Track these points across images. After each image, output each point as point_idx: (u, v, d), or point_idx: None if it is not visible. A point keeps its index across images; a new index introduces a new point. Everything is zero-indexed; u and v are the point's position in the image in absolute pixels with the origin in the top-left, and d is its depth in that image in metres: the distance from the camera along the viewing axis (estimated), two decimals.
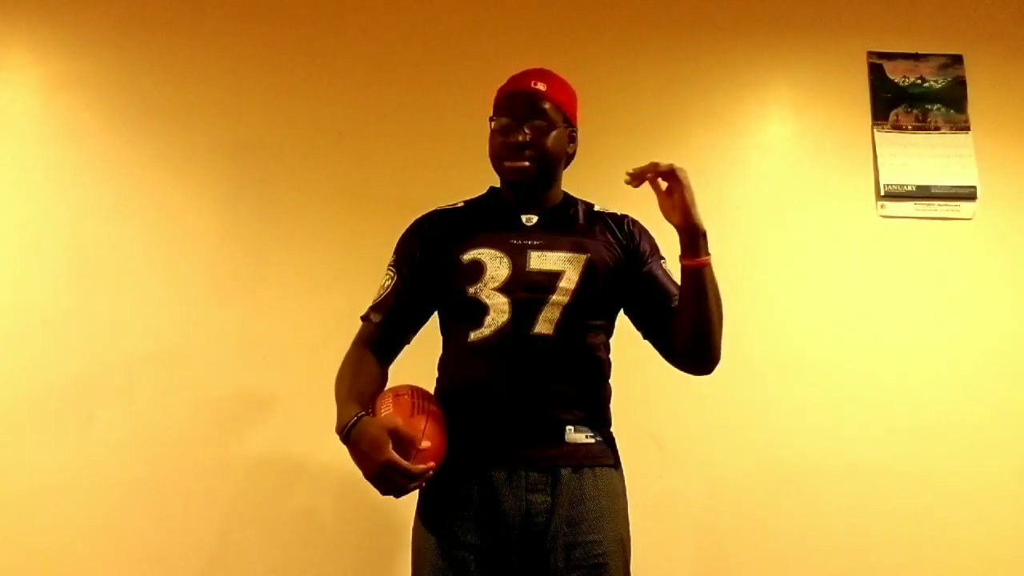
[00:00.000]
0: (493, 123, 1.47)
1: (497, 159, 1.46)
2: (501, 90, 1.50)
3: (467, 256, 1.41)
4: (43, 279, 2.08)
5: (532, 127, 1.43)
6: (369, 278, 1.52)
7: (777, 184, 2.29)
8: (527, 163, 1.43)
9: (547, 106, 1.45)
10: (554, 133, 1.45)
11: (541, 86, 1.46)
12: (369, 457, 1.24)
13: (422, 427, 1.27)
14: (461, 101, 2.14)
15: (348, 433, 1.28)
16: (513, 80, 1.49)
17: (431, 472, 1.26)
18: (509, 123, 1.44)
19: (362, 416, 1.29)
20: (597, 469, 1.37)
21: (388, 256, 1.51)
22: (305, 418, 1.97)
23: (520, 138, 1.43)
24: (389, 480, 1.24)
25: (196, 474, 2.02)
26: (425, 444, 1.24)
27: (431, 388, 1.43)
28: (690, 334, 1.38)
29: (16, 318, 2.06)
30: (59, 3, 2.23)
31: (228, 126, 2.19)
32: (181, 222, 2.15)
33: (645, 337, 1.51)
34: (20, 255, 2.09)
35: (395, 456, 1.23)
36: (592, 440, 1.38)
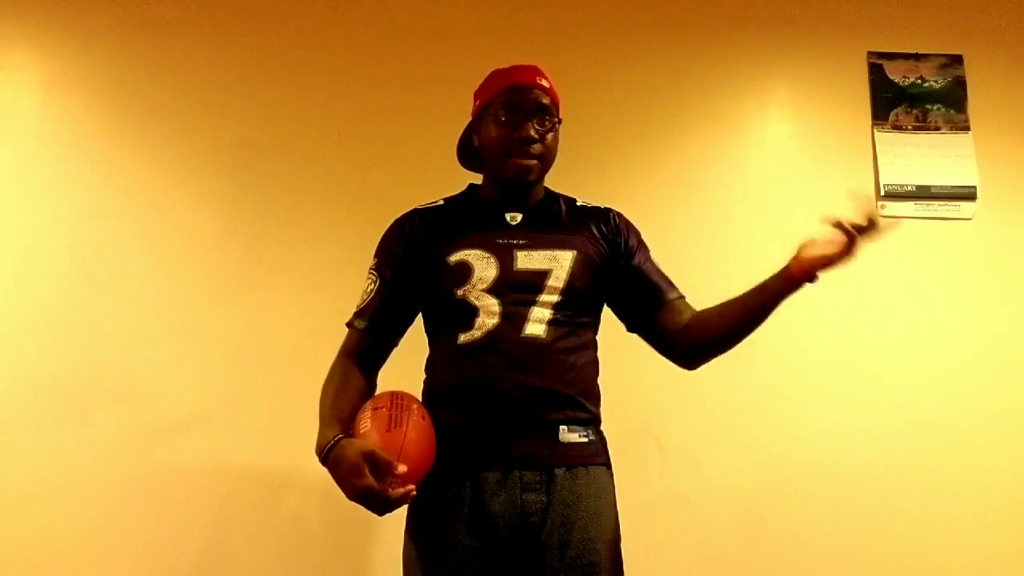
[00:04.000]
0: (497, 117, 1.42)
1: (504, 155, 1.42)
2: (499, 82, 1.46)
3: (453, 258, 1.39)
4: (43, 279, 2.08)
5: (541, 124, 1.42)
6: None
7: (777, 184, 2.29)
8: (535, 161, 1.42)
9: (549, 103, 1.44)
10: (556, 131, 1.45)
11: (545, 83, 1.45)
12: (348, 483, 1.22)
13: (400, 441, 1.23)
14: (461, 101, 2.13)
15: (326, 456, 1.26)
16: (514, 73, 1.46)
17: (413, 494, 1.23)
18: (520, 118, 1.41)
19: (340, 439, 1.26)
20: (591, 468, 1.36)
21: None
22: (304, 418, 1.95)
23: (533, 133, 1.41)
24: (370, 502, 1.22)
25: (196, 474, 2.02)
26: (402, 468, 1.20)
27: (418, 388, 1.41)
28: (721, 335, 1.41)
29: (16, 318, 2.06)
30: (59, 3, 2.23)
31: (228, 126, 2.19)
32: (181, 222, 2.15)
33: (631, 330, 1.51)
34: (20, 255, 2.09)
35: (373, 483, 1.19)
36: (585, 439, 1.36)
